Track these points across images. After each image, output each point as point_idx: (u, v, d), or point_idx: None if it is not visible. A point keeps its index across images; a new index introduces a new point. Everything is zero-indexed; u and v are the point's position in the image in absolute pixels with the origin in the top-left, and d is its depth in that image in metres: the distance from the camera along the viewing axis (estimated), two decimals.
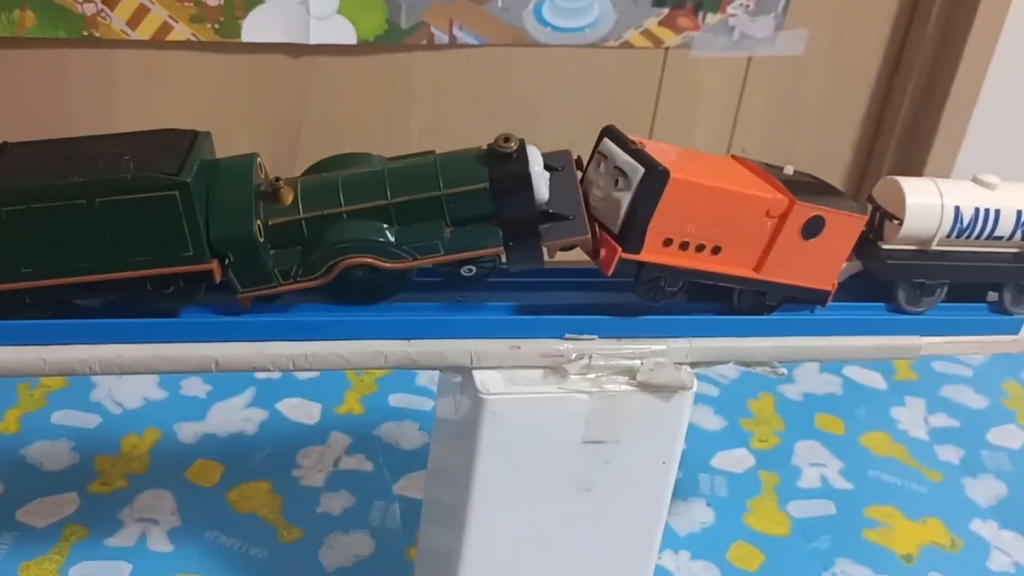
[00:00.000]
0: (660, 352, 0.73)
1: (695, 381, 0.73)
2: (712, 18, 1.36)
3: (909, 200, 0.77)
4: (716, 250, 0.71)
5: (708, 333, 0.75)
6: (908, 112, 1.49)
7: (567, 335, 0.72)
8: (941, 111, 1.45)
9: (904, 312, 0.80)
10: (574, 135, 1.46)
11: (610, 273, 0.69)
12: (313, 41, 1.25)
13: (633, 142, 0.69)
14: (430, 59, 1.31)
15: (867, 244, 0.79)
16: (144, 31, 1.20)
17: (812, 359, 0.78)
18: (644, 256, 0.69)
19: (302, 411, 1.20)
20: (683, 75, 1.41)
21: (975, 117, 1.47)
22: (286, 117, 1.31)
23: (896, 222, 0.77)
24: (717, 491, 1.15)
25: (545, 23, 1.31)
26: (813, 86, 1.47)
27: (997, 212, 0.79)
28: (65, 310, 0.67)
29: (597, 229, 0.70)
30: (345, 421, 1.19)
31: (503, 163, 0.67)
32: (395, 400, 1.24)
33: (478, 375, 0.70)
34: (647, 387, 0.72)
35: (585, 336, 0.72)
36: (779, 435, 1.26)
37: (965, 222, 0.78)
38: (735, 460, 1.21)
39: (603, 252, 0.69)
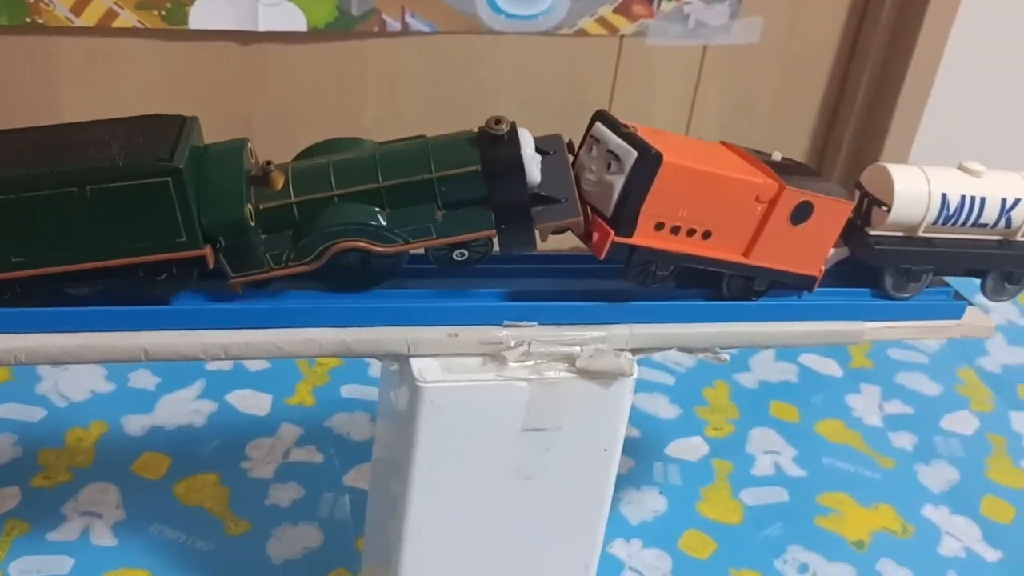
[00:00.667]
0: (600, 338, 0.73)
1: (635, 367, 0.72)
2: (667, 6, 1.36)
3: (897, 187, 0.77)
4: (707, 235, 0.72)
5: (649, 319, 0.74)
6: (864, 100, 1.49)
7: (506, 322, 0.71)
8: (896, 99, 1.46)
9: (891, 298, 0.80)
10: (530, 124, 1.44)
11: (603, 256, 0.69)
12: (262, 28, 1.23)
13: (625, 126, 0.69)
14: (383, 47, 1.30)
15: (854, 230, 0.79)
16: (89, 18, 1.18)
17: (754, 345, 0.78)
18: (636, 240, 0.69)
19: (252, 403, 1.19)
20: (639, 63, 1.41)
21: (930, 105, 1.48)
22: (237, 106, 1.30)
23: (884, 208, 0.78)
24: (671, 479, 1.15)
25: (498, 10, 1.30)
26: (768, 74, 1.47)
27: (983, 200, 0.79)
28: (55, 299, 0.66)
29: (589, 213, 0.70)
30: (296, 412, 1.18)
31: (495, 145, 0.66)
32: (347, 391, 1.22)
33: (415, 363, 0.70)
34: (587, 374, 0.71)
35: (524, 323, 0.72)
36: (734, 423, 1.26)
37: (951, 209, 0.79)
38: (689, 448, 1.20)
39: (595, 236, 0.69)
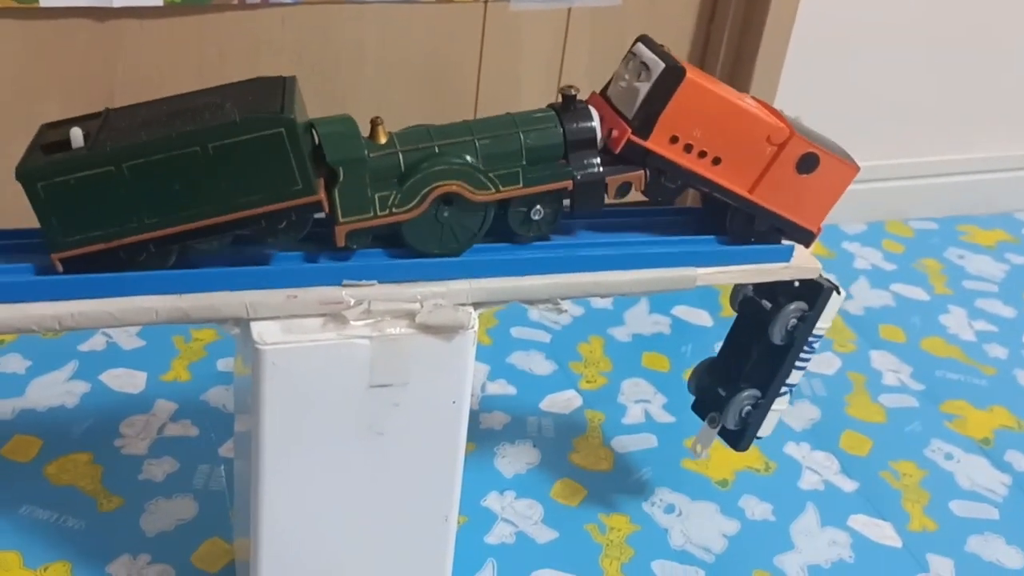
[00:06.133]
0: (440, 294, 0.75)
1: (475, 320, 0.75)
2: None
3: None
4: (716, 160, 0.79)
5: (488, 273, 0.76)
6: (725, 59, 1.53)
7: (345, 282, 0.73)
8: (755, 57, 1.50)
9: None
10: (399, 92, 1.46)
11: (618, 150, 0.77)
12: (117, 4, 1.22)
13: (662, 46, 0.79)
14: (243, 19, 1.29)
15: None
16: None
17: (590, 295, 0.80)
18: (651, 144, 0.77)
19: (126, 381, 1.19)
20: (505, 28, 1.42)
21: (788, 61, 1.52)
22: (96, 85, 1.28)
23: None
24: (544, 432, 1.18)
25: None
26: (633, 35, 1.49)
27: None
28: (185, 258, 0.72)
29: (614, 116, 0.78)
30: (171, 388, 1.18)
31: (568, 98, 0.77)
32: (224, 364, 1.23)
33: (255, 326, 0.71)
34: (427, 329, 0.73)
35: (364, 282, 0.74)
36: (606, 375, 1.29)
37: None
38: (563, 401, 1.24)
39: (614, 132, 0.77)
